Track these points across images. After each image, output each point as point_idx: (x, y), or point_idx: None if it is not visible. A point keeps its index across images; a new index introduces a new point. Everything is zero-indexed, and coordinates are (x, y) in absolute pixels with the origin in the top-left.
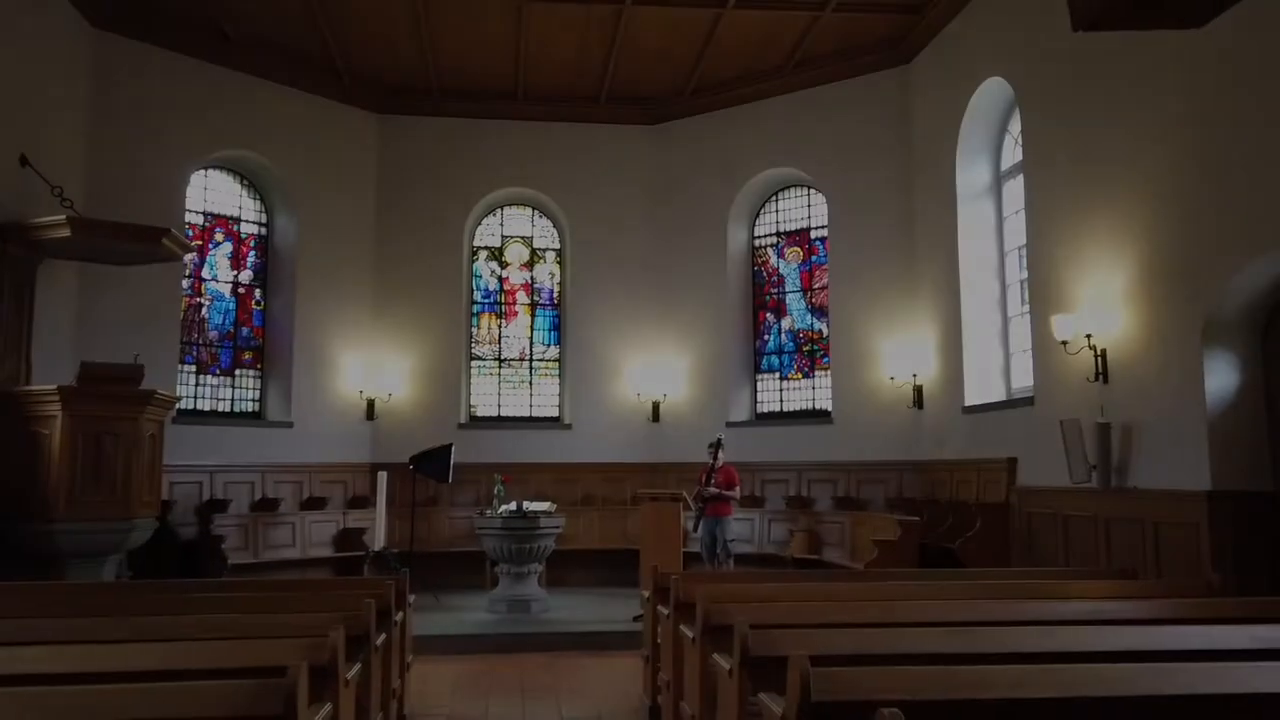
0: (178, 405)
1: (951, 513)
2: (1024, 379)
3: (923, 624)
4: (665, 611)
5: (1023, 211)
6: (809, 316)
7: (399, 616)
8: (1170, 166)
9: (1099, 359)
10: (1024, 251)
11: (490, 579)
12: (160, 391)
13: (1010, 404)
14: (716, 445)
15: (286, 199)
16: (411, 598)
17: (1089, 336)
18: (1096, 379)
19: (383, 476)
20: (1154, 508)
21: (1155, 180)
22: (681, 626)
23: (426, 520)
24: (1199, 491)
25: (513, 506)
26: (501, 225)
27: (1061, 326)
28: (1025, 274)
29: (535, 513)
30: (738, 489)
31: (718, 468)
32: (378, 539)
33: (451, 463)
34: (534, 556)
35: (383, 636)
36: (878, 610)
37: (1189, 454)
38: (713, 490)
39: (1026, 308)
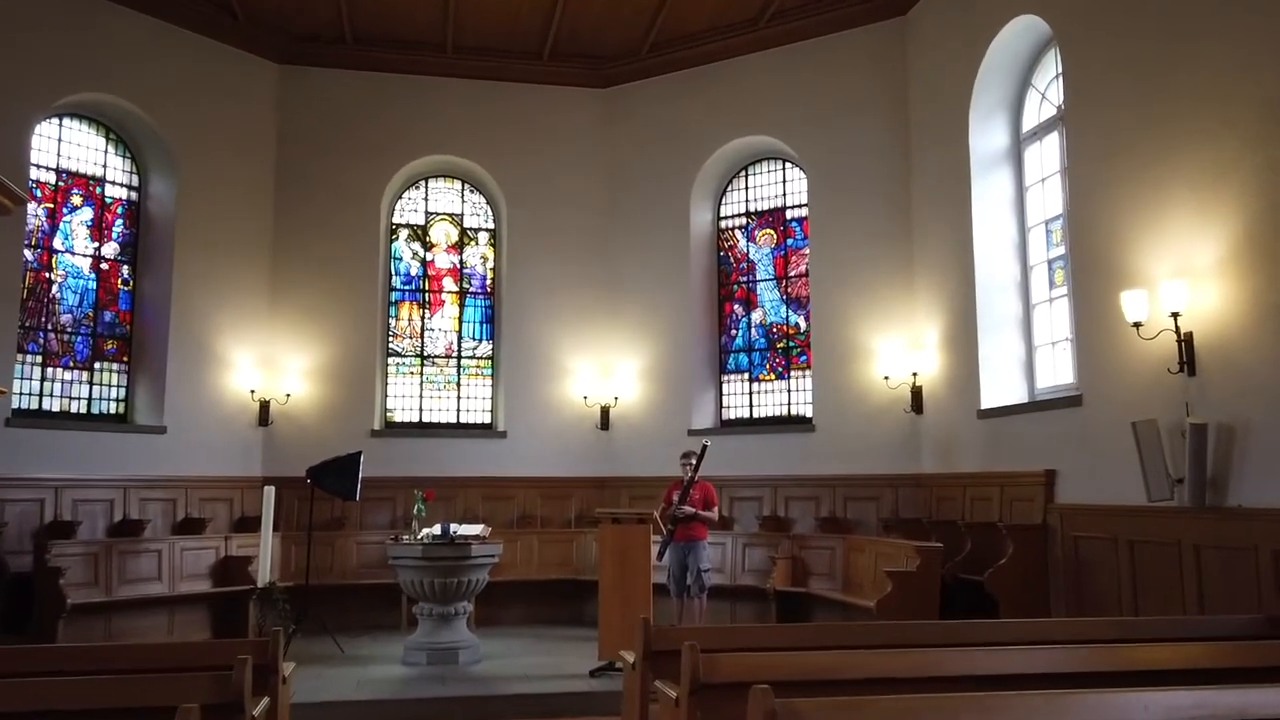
0: (14, 403)
1: (970, 537)
2: (1054, 375)
3: None
4: (671, 693)
5: (1054, 177)
6: (784, 308)
7: (261, 707)
8: None
9: (1183, 345)
10: (1052, 226)
11: (408, 618)
12: None
13: (1045, 405)
14: (700, 455)
15: (163, 158)
16: (290, 667)
17: (1175, 315)
18: (1180, 369)
19: (269, 492)
20: (1271, 532)
21: (1267, 111)
22: None
23: (330, 546)
24: None
25: (437, 530)
26: (426, 200)
27: (1134, 305)
28: (1054, 251)
29: (465, 538)
30: (716, 509)
31: (695, 483)
32: (263, 571)
33: (360, 475)
34: (463, 593)
35: None
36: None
37: None
38: (687, 510)
39: (1057, 291)
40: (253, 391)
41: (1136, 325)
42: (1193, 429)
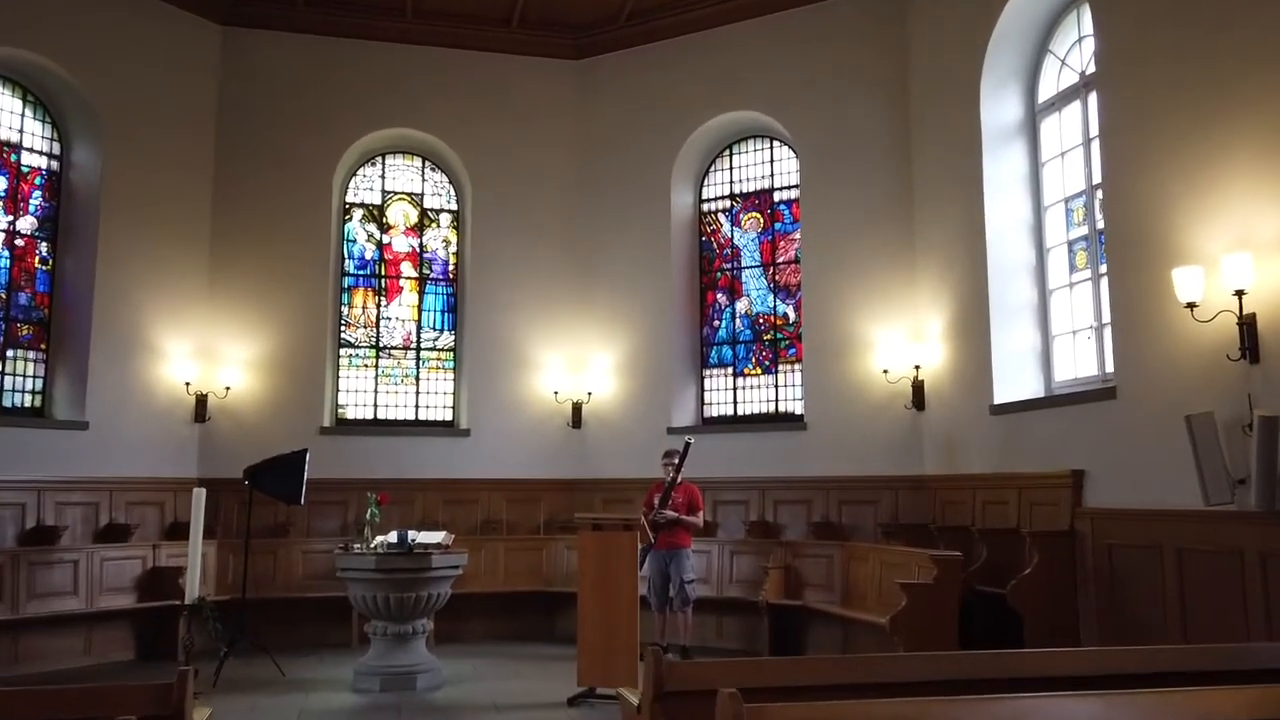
0: None
1: (985, 545)
2: (1075, 367)
3: None
4: None
5: (1075, 150)
6: (771, 297)
7: None
8: None
9: (1244, 328)
10: (1073, 205)
11: (359, 635)
12: None
13: (1070, 399)
14: (682, 454)
15: (89, 125)
16: (205, 714)
17: (1240, 294)
18: (1241, 356)
19: (199, 494)
20: None
21: None
22: None
23: (273, 555)
24: None
25: (392, 538)
26: (383, 178)
27: (1188, 283)
28: (1075, 231)
29: (424, 547)
30: (701, 514)
31: (678, 485)
32: (191, 584)
33: (305, 476)
34: (421, 610)
35: None
36: None
37: None
38: (669, 514)
39: (1079, 275)
40: (188, 384)
41: (1190, 306)
42: (1261, 423)
